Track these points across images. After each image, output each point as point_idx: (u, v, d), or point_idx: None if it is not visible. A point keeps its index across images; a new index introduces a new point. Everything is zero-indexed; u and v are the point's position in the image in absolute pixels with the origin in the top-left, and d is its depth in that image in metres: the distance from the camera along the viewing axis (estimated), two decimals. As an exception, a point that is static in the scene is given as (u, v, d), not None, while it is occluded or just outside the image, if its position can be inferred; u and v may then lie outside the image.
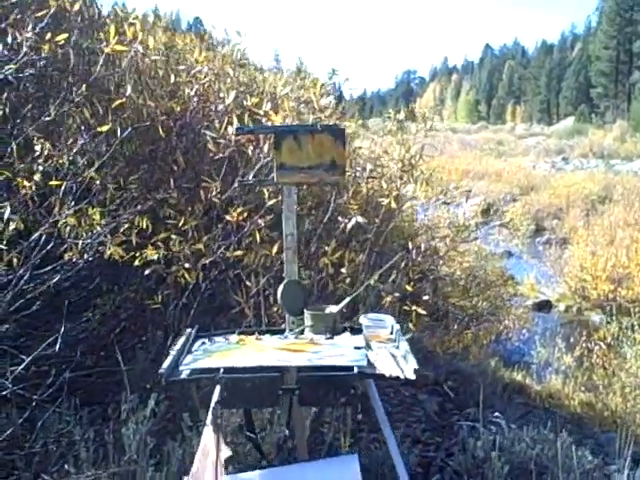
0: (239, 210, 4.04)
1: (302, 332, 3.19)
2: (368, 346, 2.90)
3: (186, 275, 3.94)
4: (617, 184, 26.01)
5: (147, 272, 3.94)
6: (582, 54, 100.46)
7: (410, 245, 5.71)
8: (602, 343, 9.72)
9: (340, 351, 2.84)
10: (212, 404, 2.42)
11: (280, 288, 3.28)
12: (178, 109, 4.38)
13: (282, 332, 3.24)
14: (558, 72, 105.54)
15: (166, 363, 2.66)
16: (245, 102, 4.47)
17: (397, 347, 2.91)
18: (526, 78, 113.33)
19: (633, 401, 8.18)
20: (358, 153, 7.00)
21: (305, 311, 3.20)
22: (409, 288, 4.40)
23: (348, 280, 4.63)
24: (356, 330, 3.20)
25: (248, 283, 4.18)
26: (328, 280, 4.61)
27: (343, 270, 4.66)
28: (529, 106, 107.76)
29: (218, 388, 2.52)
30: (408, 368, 2.61)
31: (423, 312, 4.85)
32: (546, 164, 42.25)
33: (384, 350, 2.85)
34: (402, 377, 2.55)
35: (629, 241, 14.97)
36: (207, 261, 4.01)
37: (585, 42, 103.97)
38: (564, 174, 33.65)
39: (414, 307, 4.82)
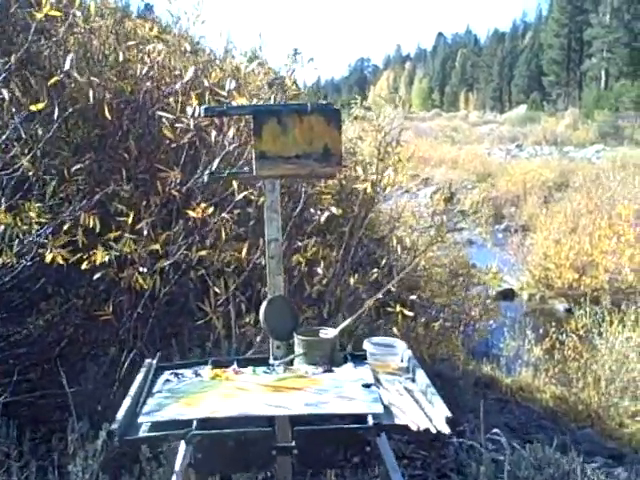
0: (203, 205, 3.52)
1: (291, 362, 2.67)
2: (377, 380, 2.41)
3: (141, 280, 3.39)
4: (573, 171, 26.04)
5: (96, 277, 3.40)
6: (533, 42, 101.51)
7: (394, 240, 5.26)
8: (573, 335, 9.46)
9: (346, 390, 2.32)
10: (178, 467, 1.84)
11: (263, 306, 2.75)
12: (129, 89, 3.86)
13: (266, 362, 2.72)
14: (510, 60, 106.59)
15: (120, 413, 2.08)
16: (206, 81, 3.94)
17: (413, 379, 2.44)
18: (479, 66, 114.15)
19: (607, 395, 7.98)
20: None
21: (295, 336, 2.68)
22: (392, 288, 3.90)
23: (324, 280, 4.16)
24: (358, 357, 2.70)
25: (216, 289, 3.62)
26: (302, 280, 4.13)
27: (319, 270, 4.18)
28: (482, 94, 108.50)
29: (188, 447, 1.95)
30: (437, 415, 2.08)
31: (409, 313, 4.41)
32: (501, 151, 42.57)
33: (398, 385, 2.35)
34: (433, 430, 1.99)
35: (592, 228, 14.81)
36: (166, 264, 3.48)
37: (536, 30, 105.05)
38: (519, 161, 33.83)
39: (399, 308, 4.36)
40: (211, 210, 3.56)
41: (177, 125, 3.73)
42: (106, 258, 3.19)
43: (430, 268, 10.12)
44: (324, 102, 2.98)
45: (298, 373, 2.56)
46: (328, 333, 2.73)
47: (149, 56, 4.01)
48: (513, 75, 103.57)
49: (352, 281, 3.97)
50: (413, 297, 5.69)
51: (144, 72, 3.91)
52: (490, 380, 8.90)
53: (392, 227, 9.32)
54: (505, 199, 25.20)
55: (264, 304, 2.76)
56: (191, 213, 3.52)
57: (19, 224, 2.88)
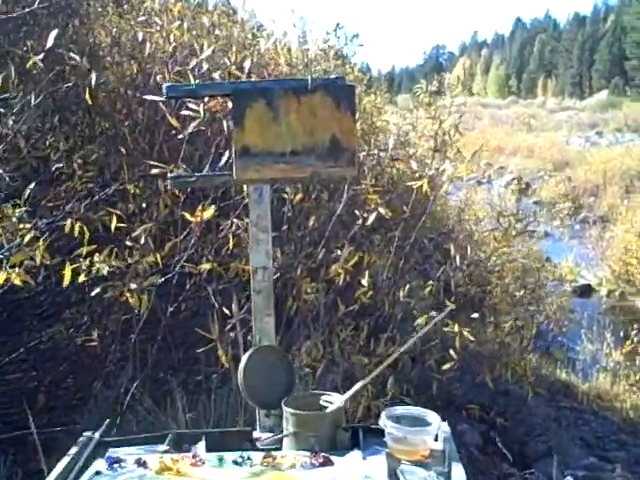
0: (210, 209, 2.95)
1: (279, 444, 2.01)
2: (395, 476, 1.73)
3: (132, 299, 2.73)
4: (658, 159, 24.92)
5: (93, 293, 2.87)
6: (616, 26, 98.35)
7: (452, 248, 4.64)
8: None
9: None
10: None
11: (243, 361, 2.10)
12: (135, 71, 3.39)
13: (250, 437, 2.05)
14: (591, 44, 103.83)
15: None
16: (226, 60, 3.44)
17: (447, 475, 1.76)
18: (558, 51, 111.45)
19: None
20: (381, 128, 6.09)
21: (284, 407, 2.02)
22: (451, 305, 3.27)
23: (369, 293, 3.57)
24: (373, 434, 2.00)
25: (225, 309, 2.97)
26: (337, 298, 3.54)
27: (363, 281, 3.59)
28: (561, 80, 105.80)
29: None
30: None
31: (471, 337, 3.76)
32: (579, 139, 41.35)
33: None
34: None
35: (679, 221, 13.93)
36: (161, 279, 2.93)
37: (619, 13, 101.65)
38: (599, 149, 32.74)
39: (457, 327, 3.69)
40: (212, 212, 2.97)
41: (184, 112, 3.17)
42: (100, 271, 2.68)
43: (503, 264, 9.57)
44: (333, 77, 2.35)
45: (281, 466, 1.85)
46: (331, 401, 2.06)
47: (167, 36, 3.51)
48: (594, 60, 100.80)
49: (402, 294, 3.40)
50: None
51: (151, 51, 3.44)
52: (564, 386, 8.32)
53: (459, 219, 8.76)
54: (584, 189, 24.28)
55: (244, 358, 2.13)
56: (189, 217, 2.95)
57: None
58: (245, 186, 2.62)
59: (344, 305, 3.50)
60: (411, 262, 4.54)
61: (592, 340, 9.36)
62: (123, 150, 3.37)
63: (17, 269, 2.31)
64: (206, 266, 3.00)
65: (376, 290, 3.78)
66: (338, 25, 4.83)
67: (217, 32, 4.30)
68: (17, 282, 2.35)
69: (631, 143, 34.53)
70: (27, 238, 2.33)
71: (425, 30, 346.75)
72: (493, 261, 9.23)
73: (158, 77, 3.46)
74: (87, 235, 2.65)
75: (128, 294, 2.71)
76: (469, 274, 7.90)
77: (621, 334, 9.52)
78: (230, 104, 2.32)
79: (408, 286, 3.82)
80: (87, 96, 3.01)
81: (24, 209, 2.47)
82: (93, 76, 3.01)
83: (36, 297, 3.21)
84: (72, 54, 3.09)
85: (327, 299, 3.54)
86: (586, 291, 13.99)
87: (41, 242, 2.35)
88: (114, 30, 3.88)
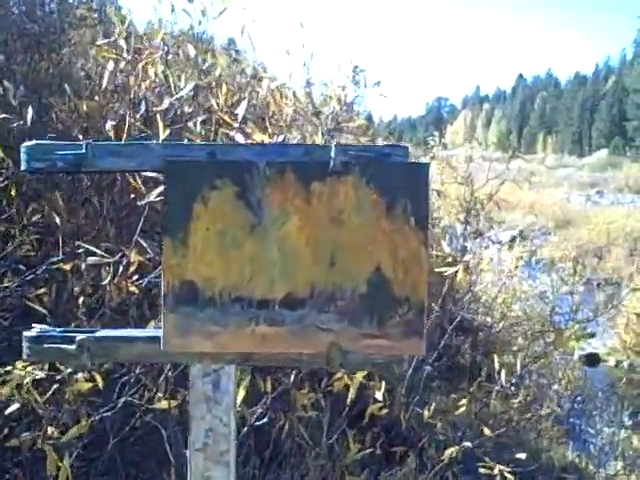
0: None
1: None
2: None
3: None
4: (663, 222, 24.57)
5: None
6: (616, 87, 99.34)
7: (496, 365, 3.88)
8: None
9: None
10: None
11: None
12: (84, 109, 2.61)
13: None
14: (591, 104, 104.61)
15: None
16: (212, 102, 2.63)
17: None
18: (558, 109, 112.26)
19: None
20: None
21: None
22: (488, 432, 2.49)
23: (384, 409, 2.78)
24: None
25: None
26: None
27: (377, 394, 2.78)
28: (560, 137, 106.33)
29: None
30: None
31: (511, 477, 2.99)
32: (580, 197, 41.41)
33: None
34: None
35: (692, 287, 13.26)
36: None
37: (620, 75, 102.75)
38: (600, 208, 32.63)
39: (498, 467, 2.90)
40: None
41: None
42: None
43: (510, 327, 8.96)
44: (388, 143, 1.35)
45: None
46: None
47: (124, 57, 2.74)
48: (594, 119, 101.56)
49: (427, 414, 2.66)
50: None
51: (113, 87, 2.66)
52: (577, 472, 7.49)
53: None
54: (586, 249, 23.71)
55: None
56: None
57: None
58: (192, 364, 1.44)
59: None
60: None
61: (604, 418, 8.59)
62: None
63: None
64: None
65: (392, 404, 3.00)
66: (357, 68, 3.84)
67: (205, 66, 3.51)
68: None
69: (632, 205, 34.27)
70: None
71: (428, 81, 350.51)
72: (501, 326, 8.60)
73: (111, 123, 2.51)
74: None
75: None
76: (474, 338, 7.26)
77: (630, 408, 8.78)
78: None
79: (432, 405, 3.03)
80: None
81: None
82: (29, 112, 2.29)
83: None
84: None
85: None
86: (593, 360, 13.25)
87: None
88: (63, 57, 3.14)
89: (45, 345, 1.64)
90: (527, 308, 10.20)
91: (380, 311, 1.20)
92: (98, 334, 1.63)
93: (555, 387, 9.08)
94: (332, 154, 1.30)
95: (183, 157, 1.44)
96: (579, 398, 9.41)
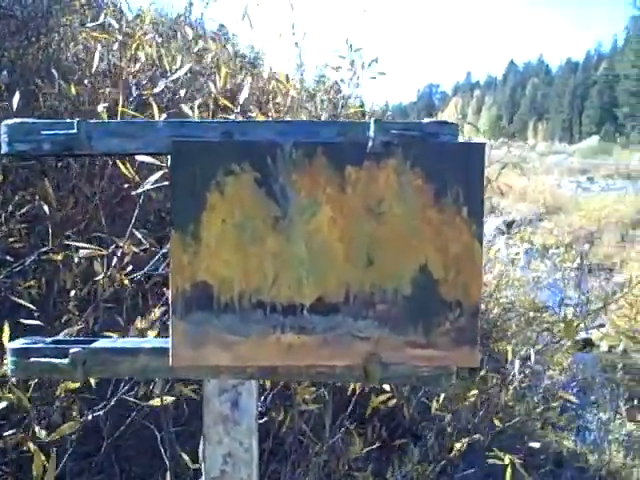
0: None
1: None
2: None
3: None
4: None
5: None
6: (607, 73, 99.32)
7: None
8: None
9: None
10: None
11: None
12: (73, 92, 2.51)
13: None
14: (582, 91, 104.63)
15: None
16: (211, 86, 2.51)
17: None
18: (549, 96, 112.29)
19: None
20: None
21: None
22: (498, 423, 2.36)
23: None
24: None
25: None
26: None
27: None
28: (551, 124, 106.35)
29: None
30: None
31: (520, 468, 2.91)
32: (571, 183, 41.38)
33: None
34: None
35: (686, 272, 13.26)
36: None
37: (611, 61, 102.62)
38: (591, 195, 32.74)
39: (507, 456, 2.80)
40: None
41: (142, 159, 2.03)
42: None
43: (503, 314, 8.94)
44: (428, 120, 1.21)
45: None
46: None
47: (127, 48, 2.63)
48: (584, 106, 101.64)
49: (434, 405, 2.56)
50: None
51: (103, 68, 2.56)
52: (573, 457, 7.50)
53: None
54: (578, 235, 23.79)
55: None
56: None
57: None
58: (207, 379, 1.31)
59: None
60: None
61: (599, 404, 8.60)
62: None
63: None
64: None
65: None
66: (352, 46, 3.63)
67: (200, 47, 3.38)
68: None
69: (623, 191, 34.31)
70: None
71: (419, 68, 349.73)
72: (495, 313, 8.56)
73: (103, 105, 2.36)
74: None
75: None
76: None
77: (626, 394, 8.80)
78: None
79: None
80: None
81: None
82: (16, 96, 2.19)
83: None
84: None
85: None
86: (586, 345, 13.24)
87: None
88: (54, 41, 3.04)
89: (33, 359, 1.47)
90: (521, 295, 10.19)
91: (427, 316, 1.08)
92: (94, 345, 1.47)
93: (549, 373, 9.08)
94: (371, 133, 1.15)
95: (194, 137, 1.29)
96: (574, 384, 9.41)
